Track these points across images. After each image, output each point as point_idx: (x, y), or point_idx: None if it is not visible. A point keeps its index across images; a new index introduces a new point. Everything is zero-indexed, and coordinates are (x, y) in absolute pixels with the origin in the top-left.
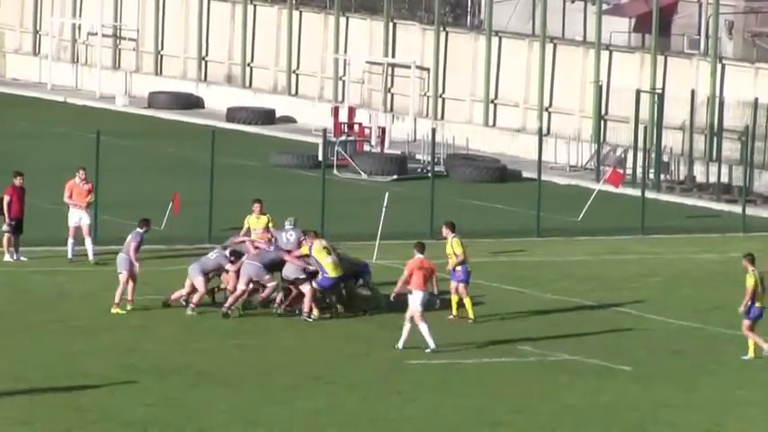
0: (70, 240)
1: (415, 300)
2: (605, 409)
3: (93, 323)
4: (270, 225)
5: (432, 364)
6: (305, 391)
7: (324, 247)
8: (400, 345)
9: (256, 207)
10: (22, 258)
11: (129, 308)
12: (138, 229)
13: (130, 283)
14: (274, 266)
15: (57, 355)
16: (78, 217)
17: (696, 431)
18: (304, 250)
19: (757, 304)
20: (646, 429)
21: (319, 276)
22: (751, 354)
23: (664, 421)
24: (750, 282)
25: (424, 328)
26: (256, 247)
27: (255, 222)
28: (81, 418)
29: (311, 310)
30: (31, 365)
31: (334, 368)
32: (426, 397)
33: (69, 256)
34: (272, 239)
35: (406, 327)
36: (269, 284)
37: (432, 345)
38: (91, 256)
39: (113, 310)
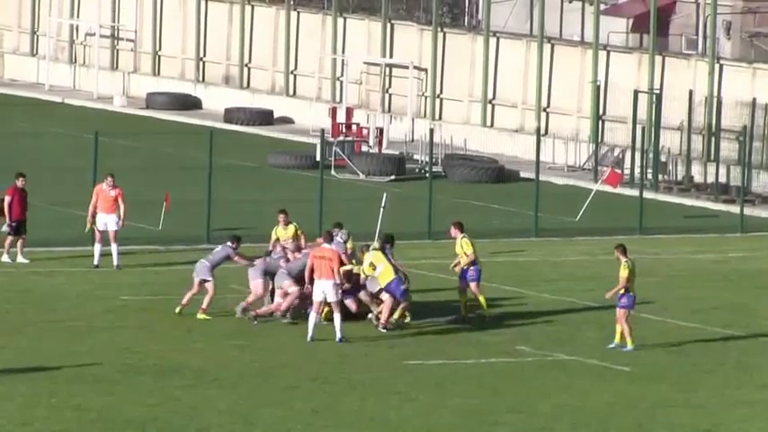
0: (96, 246)
1: (315, 289)
2: (604, 409)
3: (92, 323)
4: (299, 233)
5: (430, 365)
6: (303, 391)
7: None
8: (337, 337)
9: (281, 218)
10: (23, 260)
11: (201, 316)
12: (229, 244)
13: (210, 292)
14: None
15: (55, 356)
16: (104, 222)
17: (695, 431)
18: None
19: (630, 292)
20: (644, 429)
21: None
22: (617, 342)
23: (662, 421)
24: (624, 273)
25: (312, 317)
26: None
27: (283, 233)
28: (80, 418)
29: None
30: (29, 365)
31: (332, 368)
32: (425, 397)
33: (95, 262)
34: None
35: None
36: (290, 289)
37: (310, 334)
38: (116, 262)
39: (199, 316)
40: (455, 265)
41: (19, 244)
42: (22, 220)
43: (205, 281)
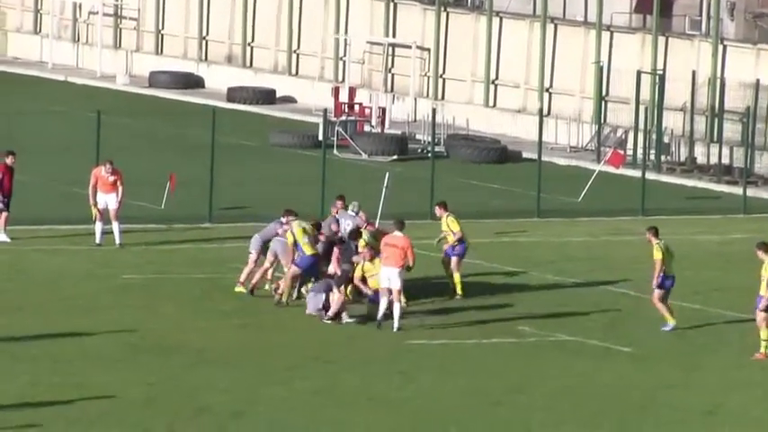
0: (98, 224)
1: (382, 275)
2: (605, 390)
3: (94, 302)
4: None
5: (431, 345)
6: (304, 370)
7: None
8: (394, 327)
9: (339, 203)
10: (6, 239)
11: (242, 290)
12: (282, 219)
13: (260, 269)
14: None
15: (57, 334)
16: (104, 201)
17: (696, 412)
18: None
19: (671, 272)
20: (645, 410)
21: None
22: (672, 322)
23: (663, 402)
24: (658, 255)
25: (383, 302)
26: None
27: None
28: (81, 396)
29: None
30: (31, 344)
31: (333, 348)
32: (426, 377)
33: (97, 240)
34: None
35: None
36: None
37: (379, 316)
38: (117, 240)
39: (237, 289)
40: (439, 241)
41: (2, 221)
42: (10, 197)
43: (249, 253)
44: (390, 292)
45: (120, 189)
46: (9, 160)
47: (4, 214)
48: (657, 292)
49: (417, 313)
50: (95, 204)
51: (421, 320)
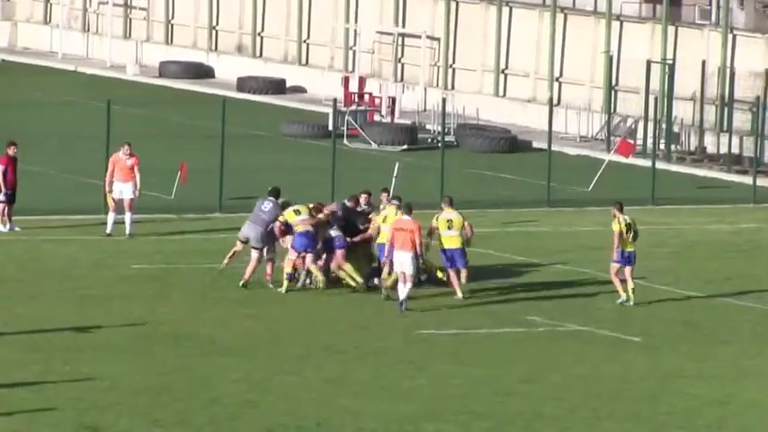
0: (110, 214)
1: (394, 260)
2: (616, 380)
3: (106, 292)
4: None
5: (443, 334)
6: (316, 360)
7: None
8: (399, 300)
9: (384, 196)
10: (16, 228)
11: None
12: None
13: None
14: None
15: (69, 324)
16: (119, 190)
17: (707, 402)
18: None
19: (629, 249)
20: (656, 400)
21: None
22: (623, 295)
23: (674, 392)
24: (616, 228)
25: (400, 287)
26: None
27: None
28: (93, 387)
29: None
30: (43, 334)
31: (345, 337)
32: (437, 367)
33: (108, 230)
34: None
35: (399, 286)
36: (266, 255)
37: (401, 299)
38: (128, 230)
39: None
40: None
41: (7, 211)
42: (15, 188)
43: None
44: (403, 275)
45: (137, 177)
46: (11, 151)
47: (1, 205)
48: (614, 266)
49: (428, 302)
50: (110, 192)
51: (432, 310)
